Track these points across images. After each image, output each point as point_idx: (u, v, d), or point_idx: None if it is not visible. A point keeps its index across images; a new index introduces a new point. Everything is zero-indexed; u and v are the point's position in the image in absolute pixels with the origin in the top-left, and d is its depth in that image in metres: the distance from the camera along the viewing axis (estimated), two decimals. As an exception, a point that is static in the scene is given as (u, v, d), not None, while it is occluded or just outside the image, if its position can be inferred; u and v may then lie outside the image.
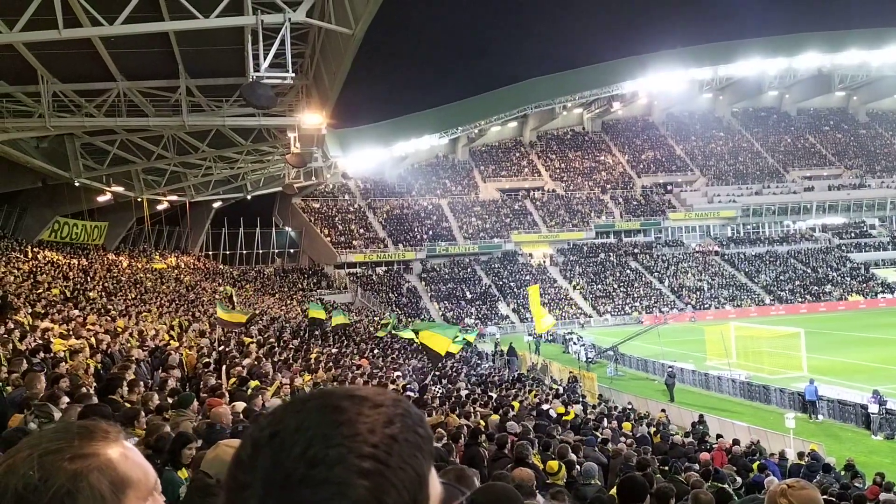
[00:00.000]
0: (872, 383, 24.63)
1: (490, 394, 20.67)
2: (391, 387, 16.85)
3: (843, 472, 14.60)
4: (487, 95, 67.73)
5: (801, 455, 16.08)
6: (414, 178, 73.02)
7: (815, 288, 61.07)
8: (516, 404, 18.24)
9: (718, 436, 18.27)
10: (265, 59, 17.01)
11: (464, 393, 19.46)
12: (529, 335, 43.96)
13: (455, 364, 28.87)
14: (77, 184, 32.91)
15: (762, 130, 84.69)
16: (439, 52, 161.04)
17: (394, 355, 27.29)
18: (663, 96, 79.03)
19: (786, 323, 42.56)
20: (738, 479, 11.78)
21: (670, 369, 29.03)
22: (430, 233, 66.72)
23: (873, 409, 21.31)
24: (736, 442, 16.75)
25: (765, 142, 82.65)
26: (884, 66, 73.16)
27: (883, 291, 60.12)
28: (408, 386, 17.83)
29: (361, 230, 66.09)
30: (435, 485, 0.85)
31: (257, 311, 29.49)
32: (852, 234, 71.09)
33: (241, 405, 9.03)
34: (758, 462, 14.20)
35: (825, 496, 9.97)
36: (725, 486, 9.86)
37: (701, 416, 21.13)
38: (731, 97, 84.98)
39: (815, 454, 16.04)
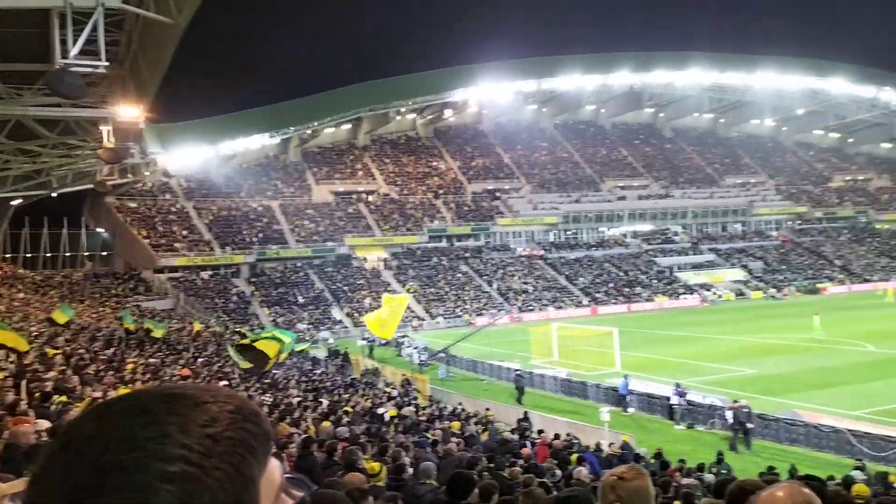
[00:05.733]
0: (675, 377, 26.92)
1: (321, 400, 20.26)
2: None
3: (652, 461, 15.77)
4: (320, 96, 66.75)
5: (613, 446, 17.21)
6: (243, 179, 70.38)
7: (627, 290, 66.01)
8: (349, 409, 18.03)
9: (540, 431, 19.09)
10: (74, 45, 15.55)
11: (295, 400, 18.95)
12: (363, 339, 43.77)
13: (286, 371, 28.07)
14: None
15: (581, 142, 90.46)
16: (271, 48, 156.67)
17: (220, 363, 26.02)
18: (492, 106, 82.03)
19: (602, 323, 45.52)
20: (558, 472, 12.33)
21: (518, 371, 29.78)
22: (261, 235, 64.59)
23: (675, 400, 23.29)
24: (557, 436, 17.58)
25: (583, 153, 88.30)
26: (686, 87, 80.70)
27: (685, 293, 66.21)
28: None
29: (185, 232, 62.61)
30: (271, 484, 0.78)
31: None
32: (659, 240, 77.71)
33: (44, 423, 8.18)
34: (575, 454, 14.99)
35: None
36: (545, 479, 10.27)
37: (525, 414, 22.03)
38: (553, 110, 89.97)
39: (626, 445, 17.21)
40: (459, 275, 65.89)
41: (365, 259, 66.38)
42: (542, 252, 72.21)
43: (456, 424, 18.20)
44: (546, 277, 67.66)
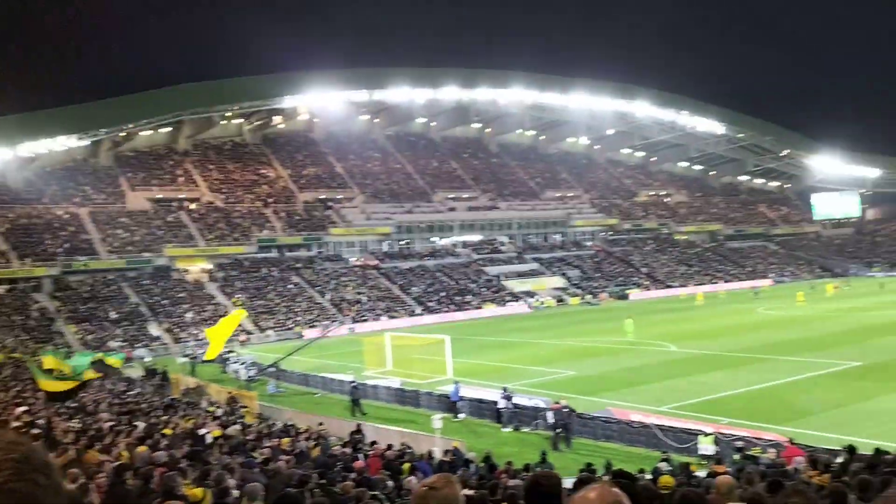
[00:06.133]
0: (503, 381, 27.88)
1: (136, 423, 18.79)
2: (13, 424, 14.38)
3: (481, 465, 16.15)
4: (135, 96, 62.57)
5: (445, 452, 17.45)
6: (45, 184, 64.30)
7: (458, 298, 67.75)
8: (168, 431, 16.86)
9: (373, 443, 18.96)
10: None
11: (106, 425, 17.43)
12: (184, 356, 41.35)
13: (96, 394, 25.80)
14: None
15: (413, 154, 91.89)
16: (79, 42, 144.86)
17: (18, 388, 23.42)
18: (324, 114, 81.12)
19: (434, 331, 46.32)
20: (390, 484, 12.29)
21: (353, 383, 29.29)
22: (67, 246, 59.22)
23: (502, 404, 24.11)
24: (390, 447, 17.54)
25: (415, 164, 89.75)
26: (510, 104, 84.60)
27: (511, 300, 69.08)
28: (35, 421, 15.37)
29: (-24, 242, 56.05)
30: None
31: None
32: (487, 250, 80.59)
33: None
34: (408, 464, 15.04)
35: (467, 489, 10.88)
36: (377, 492, 10.17)
37: (358, 426, 21.79)
38: (385, 121, 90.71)
39: (456, 451, 17.50)
40: (291, 286, 64.32)
41: (187, 271, 62.92)
42: (375, 262, 72.32)
43: (286, 441, 17.61)
44: (380, 287, 67.80)
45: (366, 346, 37.31)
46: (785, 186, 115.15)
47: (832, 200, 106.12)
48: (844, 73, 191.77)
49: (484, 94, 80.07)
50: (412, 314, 62.89)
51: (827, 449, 15.73)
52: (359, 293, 65.47)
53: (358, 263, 71.30)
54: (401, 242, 77.76)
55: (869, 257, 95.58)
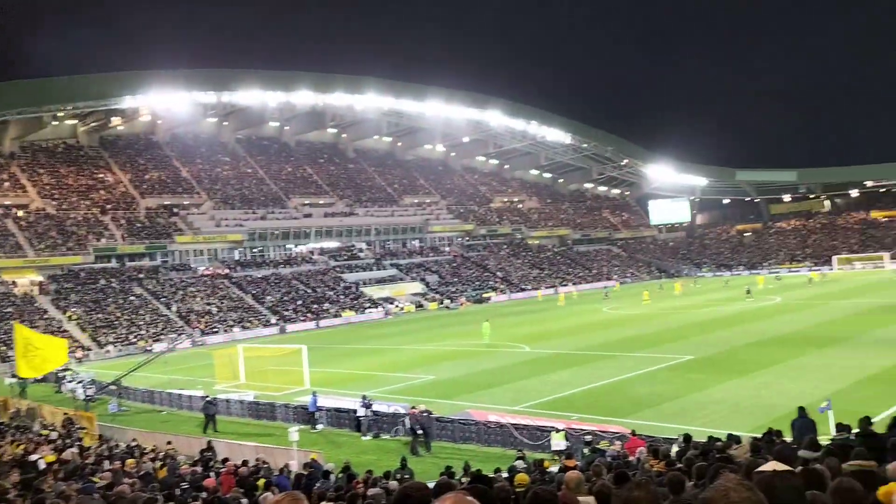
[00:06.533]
0: (362, 389, 27.66)
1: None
2: None
3: (340, 475, 15.86)
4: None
5: (304, 465, 17.00)
6: None
7: (316, 306, 66.54)
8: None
9: (225, 460, 18.17)
10: None
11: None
12: (13, 377, 37.71)
13: None
14: None
15: (265, 158, 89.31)
16: None
17: None
18: (168, 116, 77.02)
19: (290, 341, 45.30)
20: (244, 501, 11.83)
21: (207, 398, 27.83)
22: None
23: (362, 412, 23.89)
24: (244, 463, 16.86)
25: (268, 169, 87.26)
26: (366, 110, 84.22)
27: (370, 306, 68.77)
28: None
29: None
30: None
31: None
32: (345, 257, 79.80)
33: None
34: (262, 480, 14.53)
35: (324, 502, 10.61)
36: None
37: (209, 443, 20.80)
38: (235, 124, 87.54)
39: (314, 463, 17.11)
40: (133, 298, 60.46)
41: (14, 283, 57.55)
42: (226, 271, 69.54)
43: (130, 462, 16.53)
44: (231, 297, 65.24)
45: (216, 360, 35.74)
46: (626, 193, 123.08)
47: (666, 207, 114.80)
48: (674, 91, 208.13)
49: (339, 100, 79.25)
50: (267, 324, 61.02)
51: (666, 438, 16.82)
52: (208, 304, 62.65)
53: (207, 273, 68.24)
54: (254, 250, 75.31)
55: (699, 259, 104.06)
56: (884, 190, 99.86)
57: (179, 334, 55.08)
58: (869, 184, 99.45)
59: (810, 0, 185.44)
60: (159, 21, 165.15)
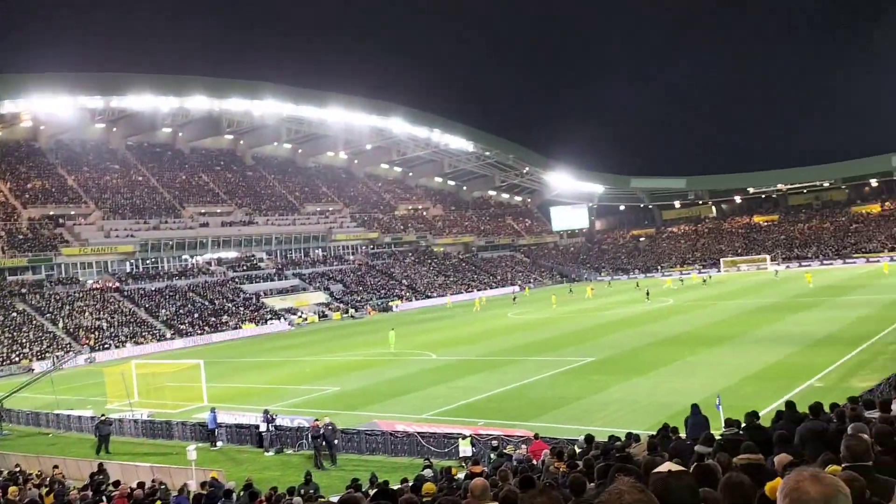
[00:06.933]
0: (264, 404, 26.89)
1: None
2: None
3: (242, 493, 15.31)
4: None
5: (202, 485, 16.30)
6: None
7: (214, 319, 64.31)
8: None
9: (117, 482, 17.21)
10: None
11: None
12: None
13: None
14: None
15: (158, 166, 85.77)
16: None
17: None
18: (52, 122, 72.80)
19: (187, 356, 43.58)
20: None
21: (102, 417, 26.20)
22: None
23: (264, 427, 23.21)
24: (140, 485, 16.01)
25: (161, 177, 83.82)
26: (265, 116, 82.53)
27: (272, 318, 67.11)
28: None
29: None
30: None
31: None
32: (244, 267, 77.59)
33: None
34: (159, 501, 13.87)
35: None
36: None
37: (101, 466, 19.67)
38: (125, 130, 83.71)
39: (214, 482, 16.46)
40: (15, 314, 56.61)
41: None
42: (117, 284, 66.23)
43: (13, 490, 15.39)
44: (123, 311, 62.16)
45: (108, 377, 33.95)
46: (528, 200, 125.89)
47: (567, 213, 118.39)
48: (571, 101, 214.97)
49: (236, 105, 77.29)
50: (161, 339, 58.48)
51: (569, 439, 17.20)
52: (98, 319, 59.43)
53: (96, 286, 64.73)
54: (147, 262, 72.07)
55: (598, 263, 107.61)
56: (764, 196, 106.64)
57: (67, 352, 51.98)
58: (751, 190, 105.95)
59: (693, 18, 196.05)
60: (44, 23, 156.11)
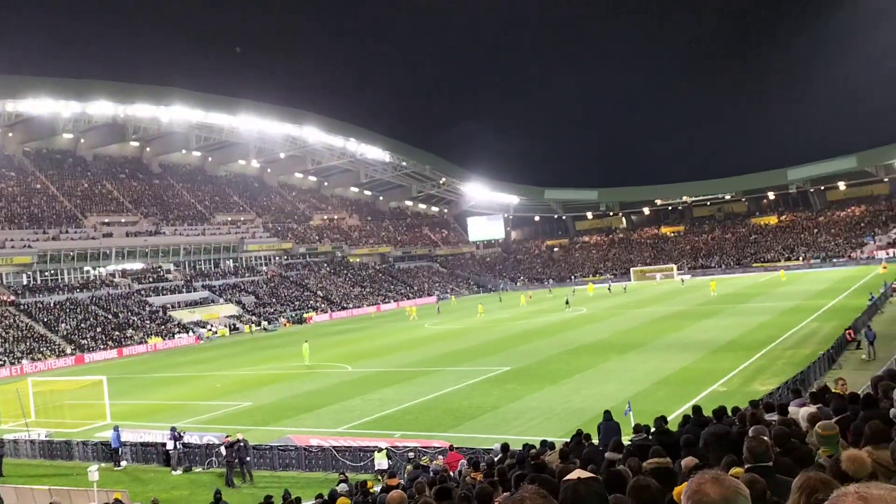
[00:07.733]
0: (172, 420, 25.85)
1: None
2: None
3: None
4: None
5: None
6: None
7: (117, 333, 61.52)
8: None
9: (11, 510, 16.16)
10: None
11: None
12: None
13: None
14: None
15: (58, 173, 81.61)
16: None
17: None
18: (-61, 125, 68.29)
19: (90, 372, 41.45)
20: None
21: None
22: None
23: (171, 445, 22.28)
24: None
25: (61, 185, 79.77)
26: (173, 123, 79.87)
27: (180, 332, 64.74)
28: None
29: None
30: None
31: None
32: (151, 279, 74.62)
33: None
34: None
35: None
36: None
37: (-10, 493, 18.39)
38: (22, 135, 79.32)
39: (117, 503, 15.69)
40: None
41: None
42: (12, 297, 62.41)
43: None
44: (19, 326, 58.63)
45: (1, 396, 31.86)
46: (445, 211, 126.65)
47: (483, 224, 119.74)
48: (486, 114, 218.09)
49: (142, 111, 74.56)
50: (61, 355, 55.47)
51: (486, 449, 17.27)
52: (-8, 335, 55.85)
53: (-10, 300, 60.87)
54: (45, 273, 68.28)
55: (513, 273, 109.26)
56: (671, 208, 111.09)
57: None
58: (658, 202, 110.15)
59: (603, 37, 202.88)
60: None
